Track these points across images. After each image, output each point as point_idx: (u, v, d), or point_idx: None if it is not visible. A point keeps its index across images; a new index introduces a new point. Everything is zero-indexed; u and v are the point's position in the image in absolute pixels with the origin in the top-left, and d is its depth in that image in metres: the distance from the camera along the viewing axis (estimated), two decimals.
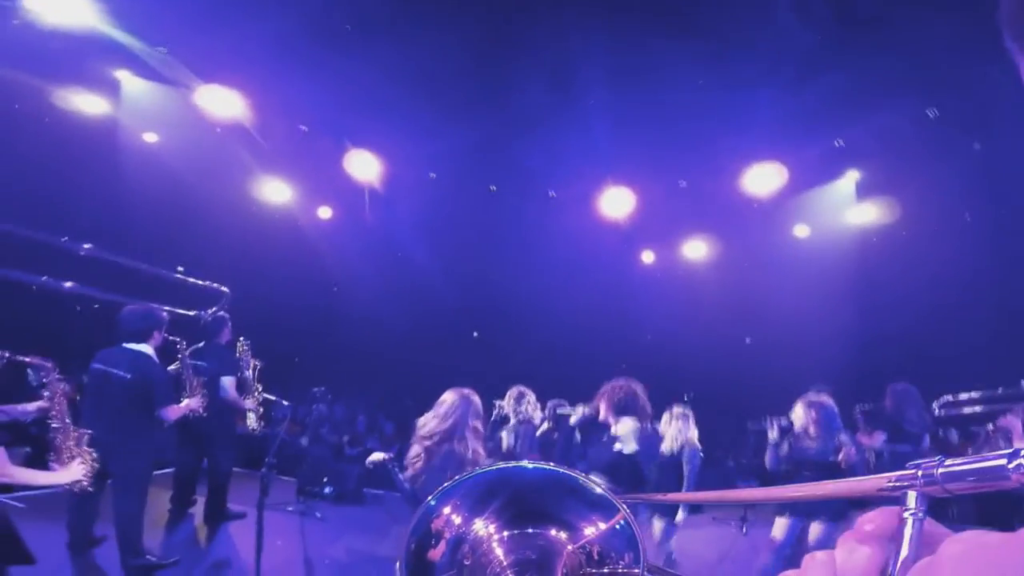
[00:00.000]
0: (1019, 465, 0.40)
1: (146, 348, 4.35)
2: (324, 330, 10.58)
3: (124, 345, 4.32)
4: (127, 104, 7.40)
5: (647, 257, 11.29)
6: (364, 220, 9.67)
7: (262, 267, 9.13)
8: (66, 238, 4.54)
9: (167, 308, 4.65)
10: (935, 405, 4.39)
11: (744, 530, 6.19)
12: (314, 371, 9.60)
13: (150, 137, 7.99)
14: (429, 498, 0.64)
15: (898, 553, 0.42)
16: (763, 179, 8.58)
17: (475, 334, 12.45)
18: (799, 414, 4.28)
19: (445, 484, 0.65)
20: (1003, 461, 0.42)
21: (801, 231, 9.82)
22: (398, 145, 8.21)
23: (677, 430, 5.10)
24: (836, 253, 9.28)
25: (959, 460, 0.45)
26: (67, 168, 7.07)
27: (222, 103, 7.19)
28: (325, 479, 7.63)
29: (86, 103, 7.02)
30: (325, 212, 9.96)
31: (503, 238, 10.03)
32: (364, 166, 8.43)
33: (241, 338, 5.80)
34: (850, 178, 8.86)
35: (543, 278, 10.62)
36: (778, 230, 9.80)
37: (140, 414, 4.30)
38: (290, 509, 6.26)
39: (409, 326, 10.91)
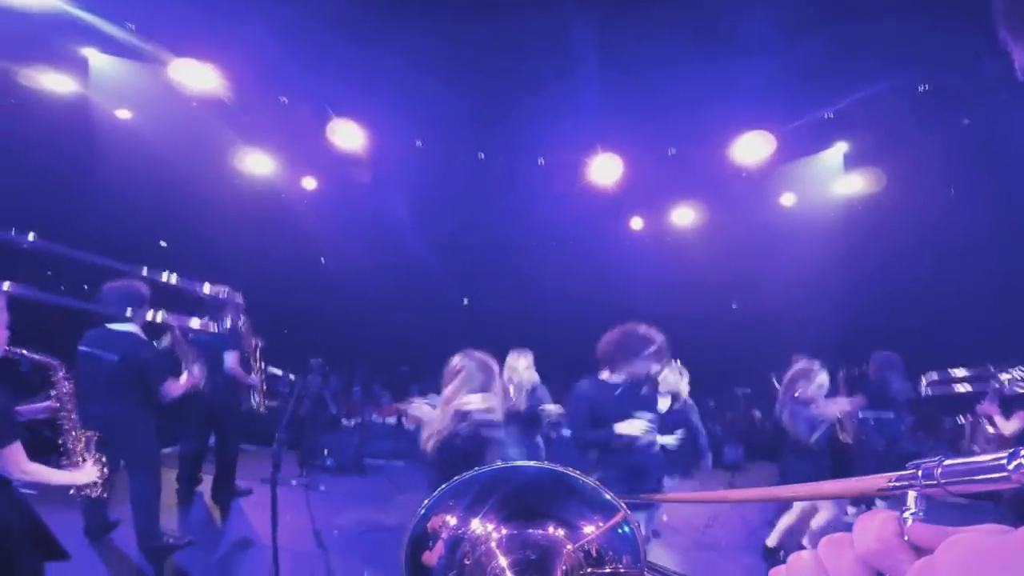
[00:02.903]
0: (1019, 465, 0.41)
1: (131, 327, 4.25)
2: (314, 301, 10.54)
3: (107, 326, 4.21)
4: (97, 82, 7.13)
5: (636, 223, 11.28)
6: (350, 189, 9.54)
7: (248, 240, 9.03)
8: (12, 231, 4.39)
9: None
10: (923, 381, 4.46)
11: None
12: (305, 343, 9.59)
13: (123, 114, 7.70)
14: (426, 500, 0.64)
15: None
16: (752, 148, 8.55)
17: (465, 301, 12.47)
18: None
19: (442, 486, 0.65)
20: (1003, 461, 0.42)
21: (789, 200, 9.85)
22: (383, 113, 8.04)
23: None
24: (823, 222, 9.35)
25: (959, 460, 0.46)
26: (38, 150, 6.87)
27: (197, 76, 6.94)
28: (326, 451, 7.68)
29: (54, 83, 6.74)
30: (310, 183, 9.79)
31: (492, 205, 9.95)
32: (348, 135, 8.25)
33: (242, 316, 5.74)
34: (838, 149, 8.86)
35: (533, 245, 10.62)
36: (766, 198, 9.83)
37: (137, 395, 4.24)
38: (294, 483, 6.28)
39: (399, 294, 10.93)
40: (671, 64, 7.01)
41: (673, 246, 11.09)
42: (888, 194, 8.43)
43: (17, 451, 2.59)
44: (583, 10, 6.47)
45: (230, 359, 5.45)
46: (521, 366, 5.03)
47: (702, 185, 9.77)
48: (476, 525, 0.64)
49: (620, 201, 9.93)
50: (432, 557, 0.62)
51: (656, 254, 11.07)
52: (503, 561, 0.62)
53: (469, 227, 10.43)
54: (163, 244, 9.14)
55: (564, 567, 0.62)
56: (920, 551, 0.39)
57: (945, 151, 7.24)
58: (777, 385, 4.53)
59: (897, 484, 0.48)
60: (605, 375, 3.83)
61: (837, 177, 9.04)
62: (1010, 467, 0.41)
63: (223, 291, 5.33)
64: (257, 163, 8.81)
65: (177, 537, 4.53)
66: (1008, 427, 4.27)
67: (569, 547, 0.63)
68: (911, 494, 0.45)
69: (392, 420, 9.56)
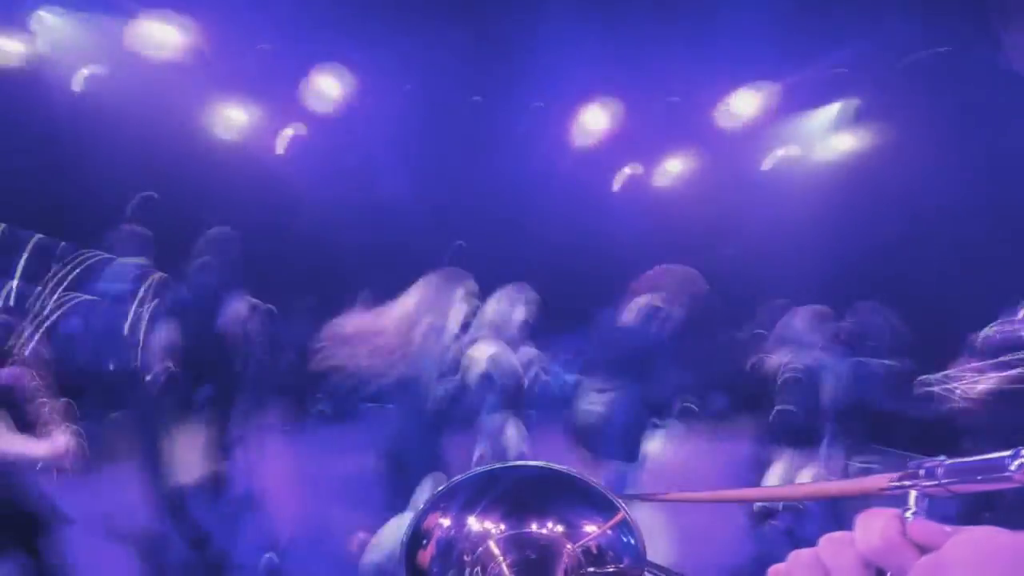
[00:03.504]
0: (1021, 465, 0.41)
1: None
2: (299, 254, 10.38)
3: None
4: (53, 44, 6.61)
5: (629, 171, 11.14)
6: (336, 138, 9.24)
7: (225, 197, 8.81)
8: None
9: None
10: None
11: None
12: (292, 292, 9.47)
13: (82, 77, 7.11)
14: (425, 500, 0.65)
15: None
16: (747, 102, 8.55)
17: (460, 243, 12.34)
18: None
19: (440, 487, 0.65)
20: (1005, 462, 0.42)
21: (780, 155, 9.79)
22: (370, 58, 7.74)
23: None
24: (819, 176, 9.30)
25: (961, 460, 0.46)
26: None
27: (166, 30, 6.57)
28: (319, 396, 7.80)
29: (4, 47, 6.29)
30: (293, 134, 9.39)
31: (484, 152, 9.68)
32: (332, 82, 7.95)
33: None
34: (838, 105, 8.73)
35: (527, 193, 10.46)
36: (757, 153, 9.79)
37: None
38: (287, 429, 6.29)
39: (386, 243, 10.86)
40: (669, 11, 6.83)
41: (664, 195, 10.99)
42: (880, 153, 8.39)
43: None
44: None
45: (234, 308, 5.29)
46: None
47: (696, 136, 9.65)
48: (475, 525, 0.64)
49: (616, 148, 9.78)
50: (431, 557, 0.63)
51: (647, 202, 10.96)
52: (503, 561, 0.62)
53: (461, 173, 10.22)
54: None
55: (564, 567, 0.62)
56: (923, 550, 0.39)
57: (940, 116, 7.15)
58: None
59: (899, 483, 0.49)
60: None
61: (832, 134, 8.97)
62: (1012, 467, 0.42)
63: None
64: (236, 118, 8.38)
65: None
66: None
67: (569, 547, 0.63)
68: (912, 493, 0.46)
69: None
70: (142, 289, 4.30)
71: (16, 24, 6.22)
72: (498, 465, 0.68)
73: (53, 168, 7.07)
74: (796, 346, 4.34)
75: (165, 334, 4.49)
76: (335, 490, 4.99)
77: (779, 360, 4.37)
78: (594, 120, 9.03)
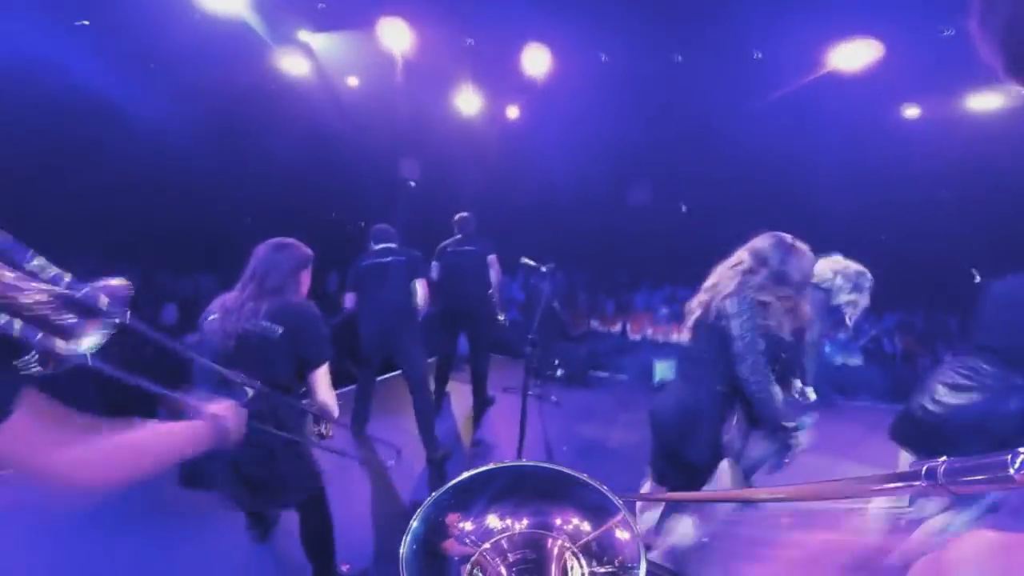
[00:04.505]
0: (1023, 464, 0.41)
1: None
2: (530, 213, 10.93)
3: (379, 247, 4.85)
4: (322, 57, 7.84)
5: (910, 111, 8.82)
6: (550, 111, 9.39)
7: (474, 168, 10.16)
8: None
9: None
10: None
11: None
12: (528, 247, 9.98)
13: (352, 82, 8.54)
14: (426, 501, 0.66)
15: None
16: None
17: (683, 208, 11.98)
18: None
19: (444, 487, 0.67)
20: (1006, 460, 0.43)
21: None
22: (567, 33, 7.60)
23: None
24: None
25: (962, 460, 0.47)
26: (295, 125, 8.00)
27: (398, 35, 7.24)
28: (556, 361, 7.54)
29: (291, 65, 7.62)
30: (511, 111, 9.94)
31: (701, 109, 8.91)
32: (539, 61, 8.04)
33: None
34: None
35: (748, 144, 9.58)
36: None
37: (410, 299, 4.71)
38: (529, 393, 6.71)
39: (611, 202, 11.12)
40: None
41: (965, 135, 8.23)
42: None
43: (325, 373, 2.41)
44: None
45: (493, 262, 5.56)
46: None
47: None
48: (477, 524, 0.65)
49: (881, 87, 7.71)
50: (434, 558, 0.64)
51: (942, 145, 8.51)
52: (503, 559, 0.63)
53: (680, 132, 9.58)
54: (412, 184, 10.52)
55: (563, 566, 0.63)
56: None
57: None
58: None
59: (900, 484, 0.50)
60: None
61: None
62: (1014, 467, 0.42)
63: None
64: (467, 101, 9.06)
65: (446, 448, 4.80)
66: None
67: (569, 546, 0.64)
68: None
69: (616, 329, 9.51)
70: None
71: (291, 43, 7.55)
72: (499, 465, 0.70)
73: (333, 163, 8.82)
74: None
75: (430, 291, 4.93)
76: (586, 454, 4.99)
77: None
78: (847, 60, 7.23)
